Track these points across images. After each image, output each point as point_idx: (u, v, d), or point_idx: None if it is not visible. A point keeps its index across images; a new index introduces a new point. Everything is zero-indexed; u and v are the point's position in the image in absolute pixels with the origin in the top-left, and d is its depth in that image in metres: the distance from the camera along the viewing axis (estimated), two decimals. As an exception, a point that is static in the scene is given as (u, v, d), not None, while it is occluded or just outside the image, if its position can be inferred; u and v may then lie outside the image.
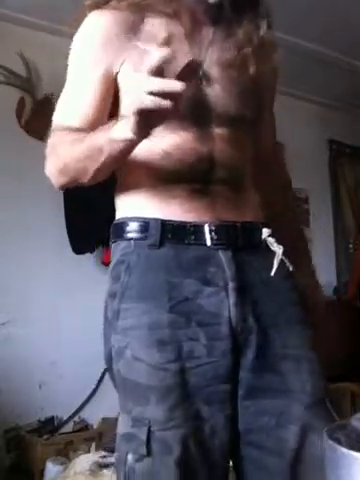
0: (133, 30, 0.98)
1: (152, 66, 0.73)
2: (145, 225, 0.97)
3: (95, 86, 0.99)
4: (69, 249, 2.78)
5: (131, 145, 0.85)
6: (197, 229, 0.97)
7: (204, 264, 0.96)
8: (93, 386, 2.97)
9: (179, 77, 0.74)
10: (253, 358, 0.95)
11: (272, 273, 0.99)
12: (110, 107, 1.01)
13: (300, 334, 1.00)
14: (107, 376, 3.23)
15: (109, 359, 1.02)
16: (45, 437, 2.66)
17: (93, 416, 2.94)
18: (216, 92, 1.00)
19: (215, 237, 0.97)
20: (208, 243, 0.97)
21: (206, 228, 0.97)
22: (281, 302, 1.01)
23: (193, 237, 0.96)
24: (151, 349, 0.93)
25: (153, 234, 0.96)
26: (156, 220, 0.96)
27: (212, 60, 1.01)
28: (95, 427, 2.90)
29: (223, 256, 0.97)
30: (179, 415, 0.92)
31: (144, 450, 0.91)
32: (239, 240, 0.99)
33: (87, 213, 2.78)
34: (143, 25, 0.99)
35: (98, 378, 2.98)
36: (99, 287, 3.32)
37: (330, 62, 3.41)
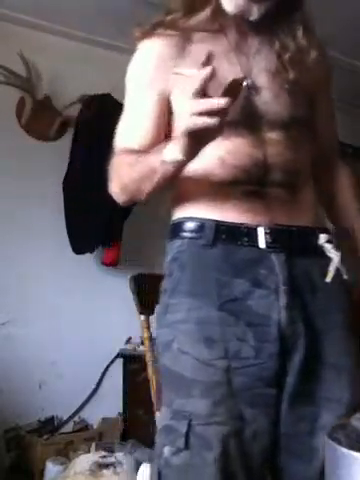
0: (182, 51, 1.03)
1: (195, 89, 0.76)
2: (200, 225, 1.00)
3: (150, 109, 1.05)
4: (69, 249, 2.78)
5: (181, 165, 0.88)
6: (251, 231, 0.98)
7: (256, 266, 0.98)
8: (93, 386, 2.97)
9: (225, 93, 0.78)
10: (299, 363, 0.96)
11: (328, 279, 1.00)
12: (166, 127, 1.06)
13: (345, 342, 1.01)
14: (107, 376, 3.25)
15: (158, 354, 1.04)
16: (45, 437, 2.66)
17: (93, 416, 2.94)
18: (265, 99, 1.03)
19: (269, 240, 0.98)
20: (262, 245, 0.98)
21: (261, 230, 0.98)
22: (330, 308, 1.01)
23: (246, 239, 0.98)
24: (199, 344, 0.95)
25: (207, 234, 0.99)
26: (211, 221, 0.99)
27: (259, 68, 1.04)
28: (95, 427, 2.90)
29: (276, 259, 0.98)
30: (222, 412, 0.92)
31: (182, 443, 0.92)
32: (293, 244, 1.00)
33: (87, 213, 2.78)
34: (191, 45, 1.03)
35: (98, 378, 2.99)
36: (99, 287, 3.35)
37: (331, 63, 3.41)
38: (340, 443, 0.56)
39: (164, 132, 1.05)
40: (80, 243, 2.81)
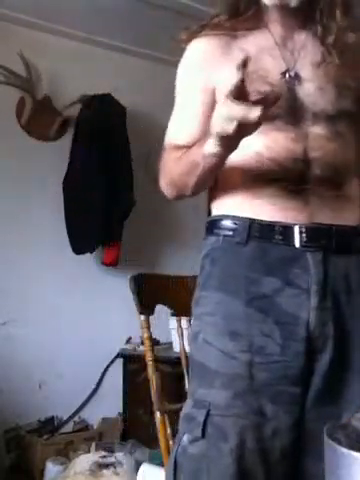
0: (227, 49, 1.04)
1: (229, 91, 0.77)
2: (235, 223, 1.00)
3: (197, 106, 1.06)
4: (69, 249, 2.78)
5: (220, 158, 0.89)
6: (286, 229, 0.97)
7: (289, 264, 0.97)
8: (93, 386, 2.97)
9: (260, 101, 0.78)
10: (327, 364, 0.95)
11: None
12: None
13: None
14: (107, 376, 3.25)
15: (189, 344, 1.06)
16: (45, 437, 2.66)
17: (93, 416, 2.94)
18: (309, 91, 1.01)
19: (305, 239, 0.96)
20: (297, 244, 0.97)
21: (296, 229, 0.97)
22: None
23: (281, 237, 0.97)
24: (223, 337, 0.96)
25: (241, 232, 0.99)
26: (245, 219, 0.99)
27: (304, 61, 1.04)
28: (95, 427, 2.90)
29: (311, 258, 0.97)
30: (241, 405, 0.93)
31: (199, 432, 0.93)
32: (332, 243, 0.97)
33: (87, 213, 2.78)
34: (236, 42, 1.05)
35: (98, 378, 2.99)
36: (99, 287, 3.34)
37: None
38: (340, 443, 0.56)
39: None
40: (80, 243, 2.81)
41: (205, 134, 1.02)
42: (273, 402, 0.93)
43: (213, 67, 1.02)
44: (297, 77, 1.02)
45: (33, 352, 2.79)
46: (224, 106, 0.78)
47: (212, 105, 1.02)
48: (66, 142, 2.89)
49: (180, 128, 1.10)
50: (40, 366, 2.81)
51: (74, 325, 2.91)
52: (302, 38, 1.05)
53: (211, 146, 0.86)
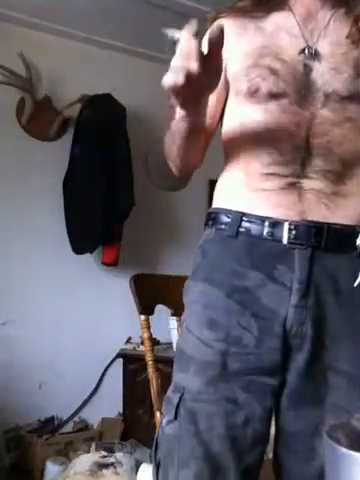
0: (242, 29, 1.04)
1: (180, 50, 0.81)
2: (227, 216, 1.01)
3: None
4: (69, 249, 2.78)
5: (190, 122, 0.92)
6: (276, 225, 0.96)
7: (274, 260, 0.96)
8: (93, 386, 2.97)
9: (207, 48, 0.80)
10: (303, 365, 0.95)
11: (355, 284, 0.95)
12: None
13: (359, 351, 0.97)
14: (107, 376, 3.25)
15: None
16: (45, 437, 2.66)
17: (93, 416, 2.94)
18: (324, 70, 0.98)
19: (293, 236, 0.95)
20: (284, 241, 0.96)
21: (285, 226, 0.96)
22: (350, 314, 0.97)
23: (270, 233, 0.97)
24: (201, 325, 0.98)
25: (231, 225, 1.00)
26: (238, 212, 1.00)
27: (325, 40, 1.01)
28: (95, 427, 2.90)
29: (297, 255, 0.95)
30: (212, 391, 0.95)
31: (173, 414, 0.97)
32: (322, 242, 0.96)
33: (87, 213, 2.78)
34: (254, 22, 1.04)
35: (98, 378, 2.99)
36: (99, 287, 3.35)
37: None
38: (340, 443, 0.56)
39: (221, 105, 1.09)
40: (80, 243, 2.81)
41: (216, 115, 1.08)
42: (245, 391, 0.94)
43: (227, 47, 1.00)
44: (316, 55, 0.99)
45: (33, 352, 2.79)
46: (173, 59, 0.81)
47: (225, 84, 1.05)
48: (66, 142, 2.89)
49: None
50: (40, 366, 2.81)
51: (74, 325, 2.91)
52: (326, 18, 1.02)
53: (177, 109, 0.89)
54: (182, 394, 0.97)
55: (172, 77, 0.83)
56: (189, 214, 3.24)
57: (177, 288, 1.45)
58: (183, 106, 0.88)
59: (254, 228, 0.98)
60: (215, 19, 1.07)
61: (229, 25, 1.03)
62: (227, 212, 1.01)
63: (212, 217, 1.05)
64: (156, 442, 1.03)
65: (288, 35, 1.01)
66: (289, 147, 0.97)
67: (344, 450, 0.54)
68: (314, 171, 0.97)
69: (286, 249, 0.96)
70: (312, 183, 0.97)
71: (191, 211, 3.22)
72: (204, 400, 0.95)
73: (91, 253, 2.86)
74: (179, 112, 0.91)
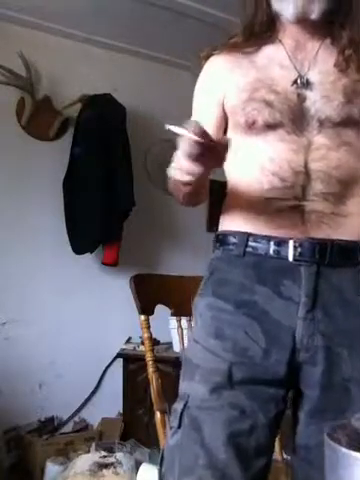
0: (236, 64, 1.09)
1: (182, 150, 0.83)
2: (234, 237, 1.05)
3: (209, 118, 1.11)
4: (69, 249, 2.78)
5: (194, 184, 0.95)
6: (281, 244, 0.99)
7: (281, 276, 0.99)
8: (93, 386, 2.97)
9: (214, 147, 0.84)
10: (321, 377, 0.96)
11: None
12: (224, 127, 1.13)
13: None
14: (107, 376, 3.25)
15: None
16: (45, 437, 2.66)
17: (93, 416, 2.94)
18: (316, 98, 1.02)
19: (298, 253, 0.98)
20: (290, 258, 0.99)
21: (290, 244, 0.99)
22: (358, 325, 0.98)
23: (276, 251, 1.00)
24: (208, 335, 1.00)
25: (239, 245, 1.03)
26: (243, 233, 1.03)
27: (315, 70, 1.05)
28: (95, 427, 2.90)
29: (304, 271, 0.98)
30: (216, 398, 0.95)
31: (177, 422, 0.97)
32: (326, 257, 0.98)
33: (87, 213, 2.78)
34: (247, 57, 1.08)
35: (98, 378, 2.99)
36: (99, 287, 3.35)
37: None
38: (340, 443, 0.56)
39: (222, 133, 1.13)
40: (80, 243, 2.81)
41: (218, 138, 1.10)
42: (249, 398, 0.95)
43: (222, 83, 1.08)
44: (308, 84, 1.03)
45: (33, 352, 2.79)
46: (178, 160, 0.85)
47: (225, 117, 1.10)
48: (66, 142, 2.89)
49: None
50: (40, 366, 2.81)
51: (74, 325, 2.91)
52: (315, 48, 1.06)
53: (179, 174, 0.91)
54: (186, 402, 0.98)
55: (179, 176, 0.88)
56: (189, 214, 3.24)
57: (177, 288, 1.45)
58: (193, 176, 0.90)
59: (260, 247, 1.01)
60: (209, 56, 1.13)
61: (223, 61, 1.10)
62: (234, 233, 1.05)
63: (219, 239, 1.09)
64: (161, 456, 1.02)
65: (279, 66, 1.05)
66: (289, 173, 1.00)
67: (344, 450, 0.54)
68: (314, 194, 1.00)
69: (292, 266, 0.99)
70: (313, 205, 1.00)
71: (191, 211, 3.20)
72: (208, 407, 0.95)
73: (91, 253, 2.86)
74: (181, 178, 0.92)
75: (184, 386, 1.01)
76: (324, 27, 1.05)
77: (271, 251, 1.00)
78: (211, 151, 0.83)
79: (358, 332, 0.98)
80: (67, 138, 2.91)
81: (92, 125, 2.81)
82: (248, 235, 1.02)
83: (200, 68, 1.17)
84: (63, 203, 2.80)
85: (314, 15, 1.00)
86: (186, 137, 0.81)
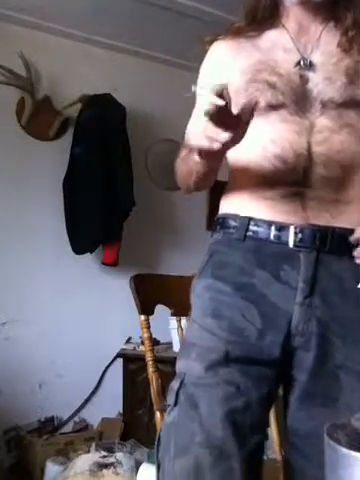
0: (239, 49, 1.09)
1: (205, 111, 0.81)
2: (235, 221, 1.05)
3: None
4: (69, 249, 2.78)
5: (209, 166, 0.97)
6: (282, 229, 1.00)
7: (281, 261, 0.99)
8: (93, 386, 2.97)
9: (239, 115, 0.84)
10: (313, 363, 0.96)
11: (359, 285, 0.98)
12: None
13: None
14: (107, 376, 3.24)
15: None
16: (45, 437, 2.66)
17: (93, 416, 2.94)
18: (319, 80, 1.02)
19: (298, 239, 0.98)
20: (290, 244, 0.99)
21: (291, 229, 0.99)
22: (356, 315, 0.98)
23: (277, 236, 1.00)
24: (205, 315, 1.01)
25: (239, 229, 1.03)
26: (244, 217, 1.03)
27: (318, 51, 1.05)
28: (95, 427, 2.90)
29: (304, 257, 0.98)
30: (211, 376, 0.96)
31: (173, 400, 0.98)
32: (327, 245, 0.99)
33: (87, 213, 2.78)
34: (250, 41, 1.09)
35: (98, 378, 2.99)
36: (99, 287, 3.34)
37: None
38: (340, 443, 0.56)
39: None
40: (80, 243, 2.81)
41: None
42: (243, 375, 0.95)
43: (226, 68, 1.08)
44: (311, 66, 1.04)
45: (33, 352, 2.79)
46: (203, 124, 0.83)
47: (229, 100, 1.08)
48: (66, 142, 2.89)
49: (195, 125, 1.13)
50: (40, 366, 2.81)
51: (74, 325, 2.91)
52: (318, 31, 1.06)
53: (195, 156, 0.92)
54: (183, 379, 0.98)
55: (207, 144, 0.86)
56: (189, 214, 3.24)
57: (177, 288, 1.45)
58: (207, 160, 0.92)
59: (261, 231, 1.01)
60: (212, 41, 1.15)
61: (227, 46, 1.11)
62: (234, 217, 1.05)
63: (220, 222, 1.09)
64: (158, 438, 1.02)
65: (283, 50, 1.06)
66: (291, 155, 1.00)
67: (344, 450, 0.54)
68: (316, 179, 0.99)
69: (292, 251, 0.99)
70: (314, 192, 1.00)
71: (191, 211, 3.22)
72: (204, 384, 0.96)
73: (91, 253, 2.86)
74: (197, 159, 0.93)
75: (181, 365, 1.01)
76: (328, 9, 1.05)
77: (272, 236, 1.00)
78: (231, 119, 0.83)
79: (354, 321, 0.98)
80: (67, 138, 2.91)
81: (92, 125, 2.81)
82: (249, 219, 1.02)
83: (203, 53, 1.17)
84: (63, 203, 2.80)
85: None
86: (210, 98, 0.81)
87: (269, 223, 1.00)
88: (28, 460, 2.58)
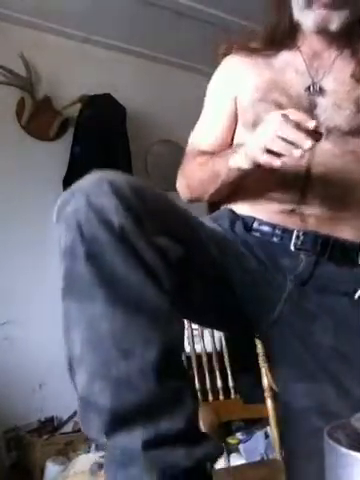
0: (253, 65, 1.11)
1: (280, 131, 0.83)
2: (237, 218, 1.04)
3: (223, 114, 1.15)
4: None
5: (244, 173, 0.97)
6: (285, 231, 1.01)
7: (281, 254, 1.00)
8: (93, 386, 2.97)
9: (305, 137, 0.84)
10: (296, 293, 0.97)
11: (356, 296, 0.98)
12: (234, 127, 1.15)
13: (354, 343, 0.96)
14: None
15: None
16: (45, 437, 2.66)
17: (93, 416, 2.93)
18: (327, 106, 1.03)
19: (300, 242, 1.00)
20: (291, 247, 1.00)
21: (294, 233, 1.00)
22: (349, 313, 0.97)
23: (280, 237, 1.01)
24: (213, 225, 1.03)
25: (244, 219, 1.04)
26: (249, 217, 1.04)
27: (329, 78, 1.06)
28: (95, 427, 2.90)
29: (305, 258, 0.99)
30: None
31: None
32: (327, 252, 1.00)
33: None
34: (264, 59, 1.11)
35: (98, 378, 2.99)
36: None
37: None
38: (340, 443, 0.56)
39: (231, 134, 1.15)
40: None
41: (227, 140, 1.13)
42: (229, 258, 0.97)
43: (238, 81, 1.11)
44: (321, 91, 1.05)
45: (33, 352, 2.79)
46: (271, 139, 0.84)
47: (237, 114, 1.12)
48: (66, 142, 2.89)
49: (205, 134, 1.17)
50: (40, 366, 2.80)
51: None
52: (332, 57, 1.08)
53: (239, 161, 0.94)
54: None
55: (277, 163, 0.87)
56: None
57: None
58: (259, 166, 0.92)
59: (265, 229, 1.02)
60: (227, 54, 1.17)
61: (240, 60, 1.13)
62: (239, 215, 1.05)
63: (226, 208, 1.08)
64: None
65: (295, 72, 1.07)
66: (289, 175, 1.00)
67: (344, 450, 0.54)
68: (313, 198, 1.01)
69: (293, 252, 1.00)
70: (312, 209, 1.01)
71: (191, 210, 3.21)
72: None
73: (91, 253, 2.85)
74: (240, 165, 0.95)
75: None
76: (343, 38, 1.06)
77: (274, 236, 1.01)
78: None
79: (345, 315, 0.96)
80: (67, 138, 2.91)
81: (92, 125, 2.81)
82: (254, 219, 1.03)
83: (216, 64, 1.19)
84: (63, 203, 2.80)
85: (334, 26, 1.01)
86: (290, 118, 0.83)
87: (273, 225, 1.01)
88: (28, 460, 2.58)
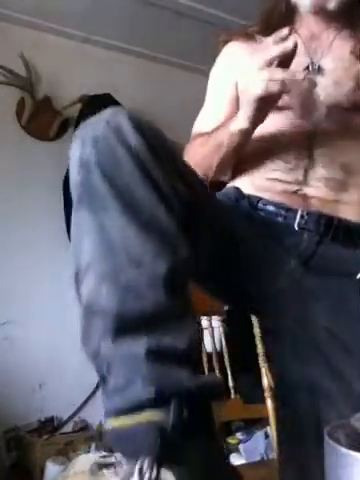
0: (252, 50, 1.10)
1: (273, 56, 0.86)
2: (244, 199, 1.04)
3: (225, 98, 1.15)
4: (69, 249, 2.78)
5: (247, 135, 0.97)
6: (289, 211, 1.00)
7: (284, 232, 0.99)
8: (93, 386, 2.97)
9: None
10: (292, 318, 0.95)
11: (358, 276, 0.96)
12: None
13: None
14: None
15: None
16: (45, 437, 2.66)
17: (93, 416, 2.94)
18: (327, 84, 1.04)
19: (304, 222, 0.99)
20: (295, 226, 0.99)
21: (299, 212, 0.99)
22: (350, 296, 0.96)
23: (284, 216, 1.00)
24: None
25: (250, 198, 1.03)
26: (254, 196, 1.03)
27: (328, 58, 1.07)
28: (95, 427, 2.90)
29: (307, 236, 0.99)
30: None
31: None
32: (330, 232, 0.99)
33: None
34: (262, 43, 1.08)
35: (98, 378, 2.98)
36: (99, 287, 3.26)
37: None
38: (340, 443, 0.56)
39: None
40: (80, 243, 2.81)
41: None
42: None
43: (239, 64, 1.11)
44: (320, 70, 1.05)
45: (33, 352, 2.79)
46: (269, 69, 0.87)
47: (237, 99, 1.08)
48: (66, 142, 2.89)
49: (208, 118, 1.17)
50: (40, 366, 2.81)
51: (74, 325, 2.90)
52: (330, 38, 1.08)
53: (240, 121, 0.94)
54: None
55: (275, 87, 0.88)
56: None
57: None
58: (260, 117, 0.93)
59: (270, 209, 1.01)
60: (227, 41, 1.18)
61: (240, 46, 1.15)
62: (244, 194, 1.04)
63: (232, 186, 1.07)
64: None
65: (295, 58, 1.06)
66: (292, 154, 1.01)
67: (344, 450, 0.54)
68: (316, 179, 1.00)
69: (298, 231, 0.99)
70: (315, 191, 1.00)
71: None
72: None
73: (91, 253, 2.86)
74: (241, 124, 0.95)
75: None
76: (342, 18, 1.06)
77: (279, 216, 1.00)
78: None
79: (345, 297, 0.95)
80: (67, 138, 2.92)
81: (92, 125, 2.81)
82: (259, 198, 1.02)
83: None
84: (63, 203, 2.80)
85: (332, 5, 1.02)
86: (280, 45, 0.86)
87: (277, 205, 1.01)
88: (28, 460, 2.59)
